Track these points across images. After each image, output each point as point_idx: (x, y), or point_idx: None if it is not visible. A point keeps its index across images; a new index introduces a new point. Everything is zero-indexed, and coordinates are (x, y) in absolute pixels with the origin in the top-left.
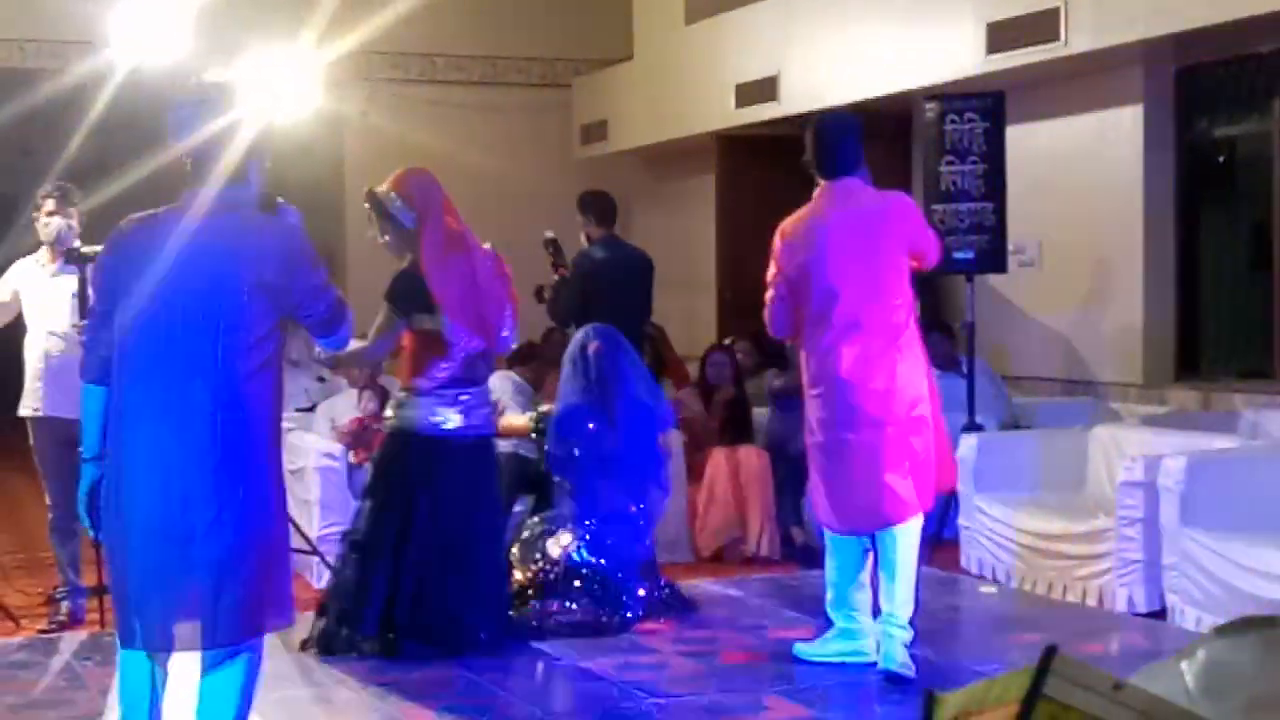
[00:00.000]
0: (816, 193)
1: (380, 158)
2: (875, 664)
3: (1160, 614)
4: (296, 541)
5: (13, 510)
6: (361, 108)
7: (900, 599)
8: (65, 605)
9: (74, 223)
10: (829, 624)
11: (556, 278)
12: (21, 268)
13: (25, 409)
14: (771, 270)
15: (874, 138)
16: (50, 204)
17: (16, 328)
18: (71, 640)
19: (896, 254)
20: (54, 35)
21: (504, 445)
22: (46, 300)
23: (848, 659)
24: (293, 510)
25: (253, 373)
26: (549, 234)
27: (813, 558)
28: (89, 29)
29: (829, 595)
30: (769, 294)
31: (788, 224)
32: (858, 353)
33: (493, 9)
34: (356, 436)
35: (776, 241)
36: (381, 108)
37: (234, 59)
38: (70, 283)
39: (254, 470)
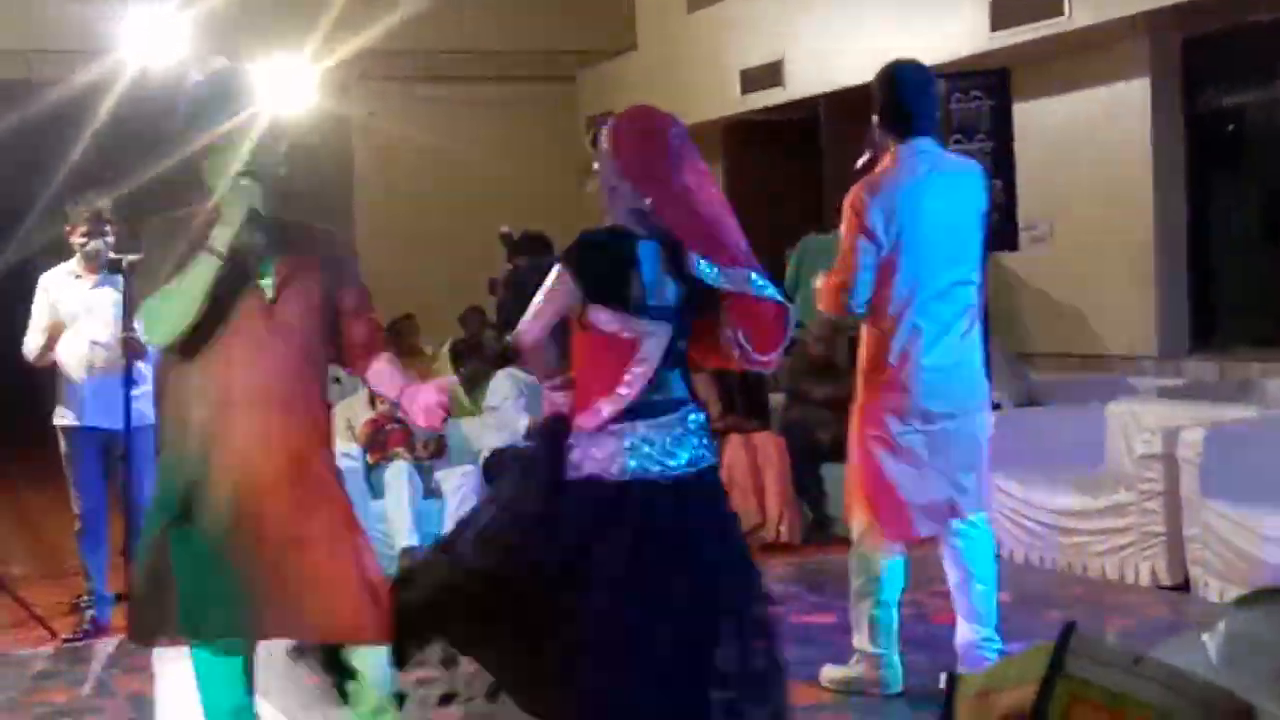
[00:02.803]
0: (896, 152)
1: (388, 157)
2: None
3: (1184, 587)
4: None
5: (33, 520)
6: (368, 108)
7: (992, 610)
8: (90, 613)
9: (110, 238)
10: (847, 638)
11: (510, 267)
12: (55, 280)
13: (65, 418)
14: (854, 236)
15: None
16: (85, 226)
17: (16, 337)
18: (98, 648)
19: (978, 226)
20: (57, 45)
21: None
22: (88, 312)
23: (873, 691)
24: None
25: None
26: (504, 229)
27: (827, 536)
28: (92, 38)
29: (865, 618)
30: (853, 260)
31: (875, 184)
32: (945, 333)
33: (494, 4)
34: (373, 437)
35: (862, 203)
36: (387, 107)
37: (238, 62)
38: (111, 294)
39: None
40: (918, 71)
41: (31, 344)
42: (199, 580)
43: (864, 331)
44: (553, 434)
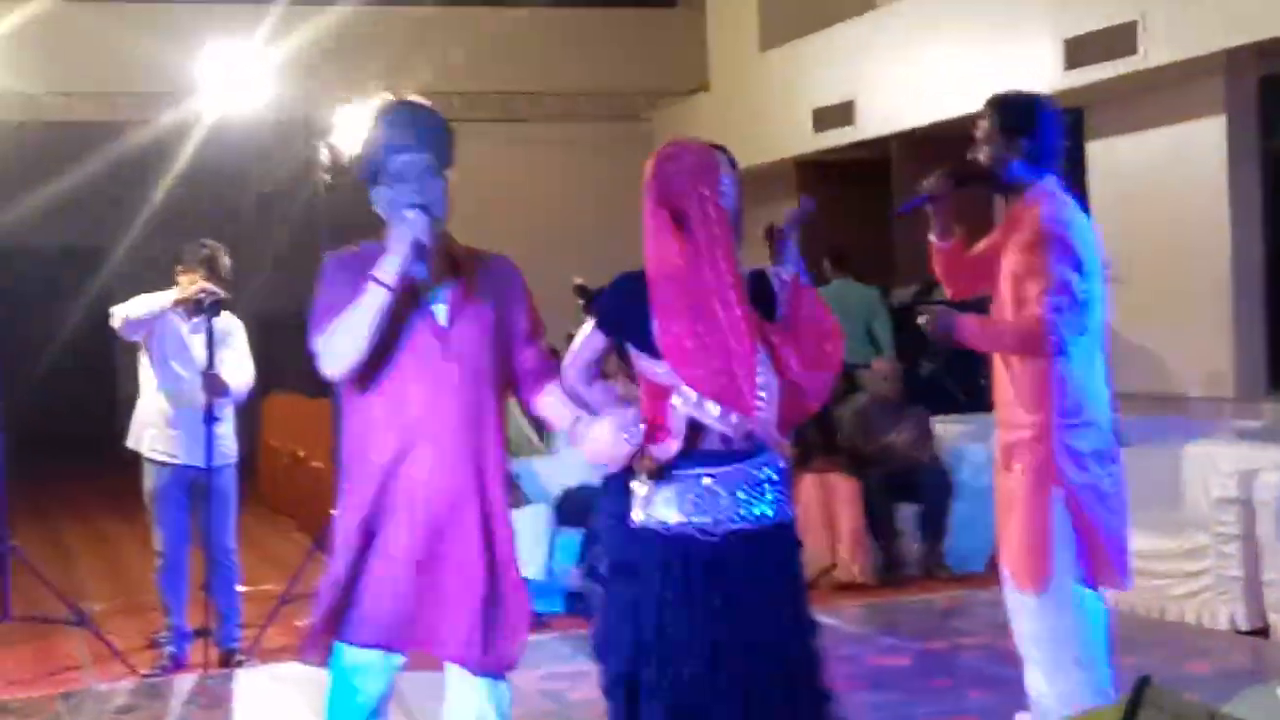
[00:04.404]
0: (1043, 187)
1: (461, 196)
2: None
3: (1262, 632)
4: None
5: (112, 553)
6: None
7: None
8: (169, 649)
9: (220, 290)
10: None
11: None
12: (158, 305)
13: (155, 454)
14: (1068, 271)
15: (952, 157)
16: (202, 272)
17: (106, 367)
18: (177, 684)
19: None
20: (139, 88)
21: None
22: (186, 349)
23: None
24: None
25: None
26: (578, 280)
27: (900, 577)
28: (174, 80)
29: (1086, 680)
30: (1071, 298)
31: (1065, 217)
32: (1106, 374)
33: (569, 46)
34: None
35: (1070, 237)
36: (461, 147)
37: (316, 105)
38: (204, 335)
39: None
40: (1057, 107)
41: (134, 308)
42: (375, 596)
43: (1049, 373)
44: (619, 481)
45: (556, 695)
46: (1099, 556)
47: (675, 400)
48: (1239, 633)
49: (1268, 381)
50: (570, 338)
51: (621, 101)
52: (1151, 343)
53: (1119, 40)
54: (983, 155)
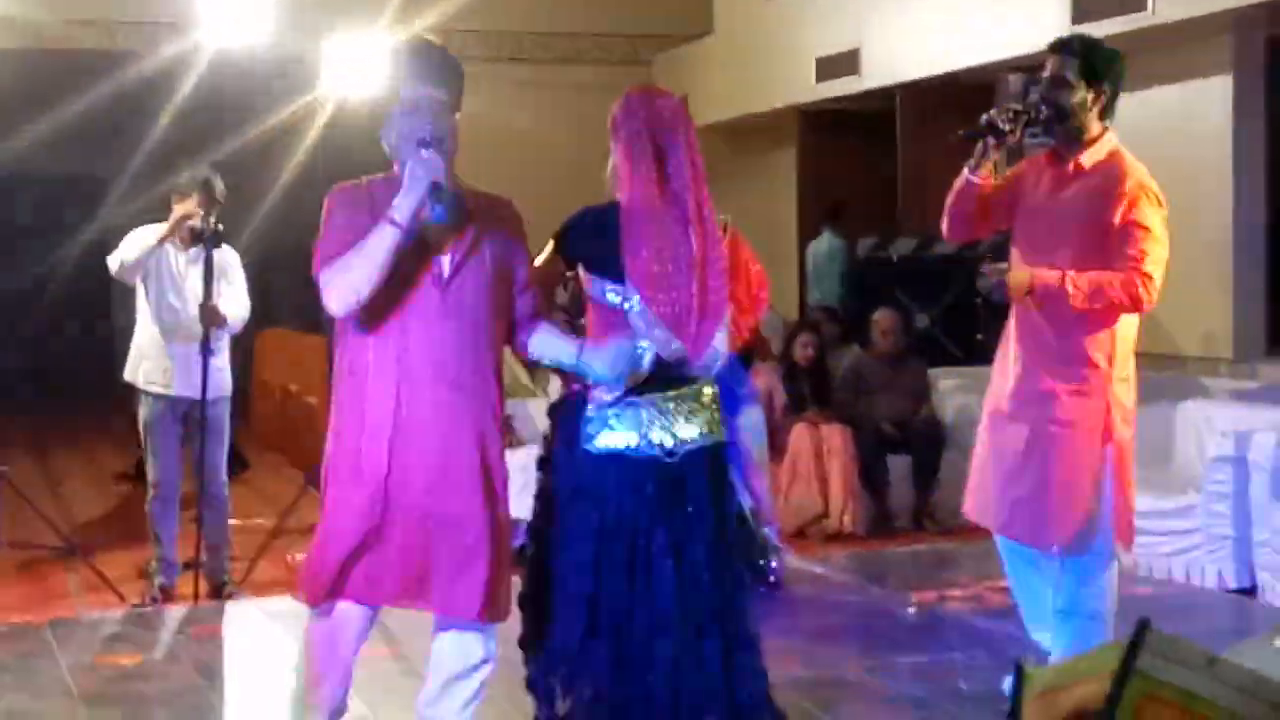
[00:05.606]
0: (1112, 137)
1: (465, 136)
2: None
3: (1251, 591)
4: None
5: (104, 483)
6: None
7: None
8: (158, 580)
9: (214, 219)
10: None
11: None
12: (151, 241)
13: (152, 385)
14: (1160, 228)
15: (957, 110)
16: (198, 197)
17: (103, 297)
18: (166, 614)
19: None
20: (142, 17)
21: None
22: (182, 281)
23: None
24: None
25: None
26: None
27: (891, 528)
28: (176, 11)
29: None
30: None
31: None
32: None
33: None
34: None
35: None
36: (467, 86)
37: (319, 39)
38: (201, 265)
39: None
40: None
41: (128, 252)
42: (382, 553)
43: (1113, 325)
44: (570, 408)
45: None
46: (1123, 515)
47: (633, 323)
48: (1227, 591)
49: (1266, 342)
50: (568, 284)
51: (624, 44)
52: None
53: None
54: (1063, 99)
